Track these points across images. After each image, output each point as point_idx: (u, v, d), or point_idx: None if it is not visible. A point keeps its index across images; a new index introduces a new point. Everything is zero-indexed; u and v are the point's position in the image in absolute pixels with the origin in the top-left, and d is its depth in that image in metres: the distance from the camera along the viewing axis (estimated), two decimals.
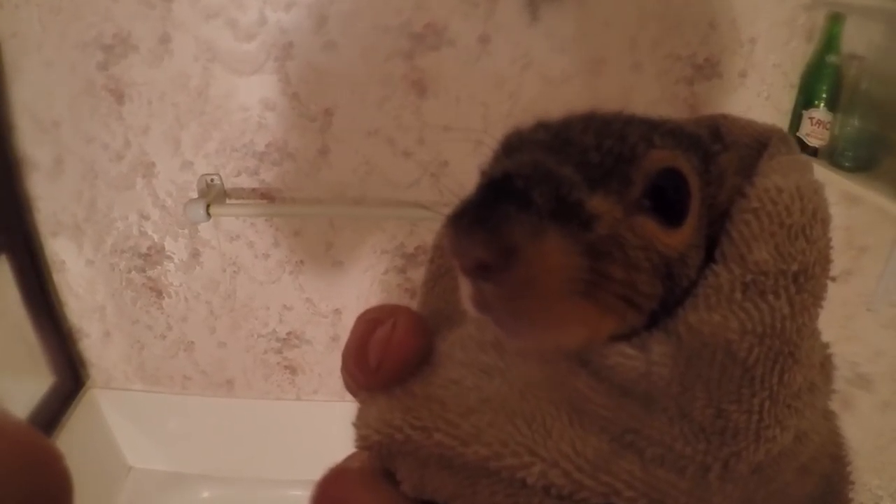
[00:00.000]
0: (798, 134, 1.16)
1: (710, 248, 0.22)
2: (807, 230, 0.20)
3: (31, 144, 1.25)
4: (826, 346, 0.24)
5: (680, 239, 0.21)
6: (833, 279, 0.23)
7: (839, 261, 1.26)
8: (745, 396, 0.19)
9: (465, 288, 0.20)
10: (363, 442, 0.22)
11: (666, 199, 0.21)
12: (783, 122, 1.20)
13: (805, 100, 1.15)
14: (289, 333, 1.48)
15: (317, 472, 0.21)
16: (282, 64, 1.20)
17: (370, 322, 0.23)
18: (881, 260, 1.10)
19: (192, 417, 1.56)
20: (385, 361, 0.22)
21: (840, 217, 1.26)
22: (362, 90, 1.22)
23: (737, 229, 0.21)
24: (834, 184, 1.16)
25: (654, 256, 0.21)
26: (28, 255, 1.31)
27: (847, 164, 1.07)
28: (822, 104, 1.12)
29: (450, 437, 0.20)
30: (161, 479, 1.58)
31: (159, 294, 1.42)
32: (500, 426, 0.20)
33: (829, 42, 1.11)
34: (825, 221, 0.21)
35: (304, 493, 0.21)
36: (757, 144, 0.26)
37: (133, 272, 1.39)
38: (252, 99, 1.23)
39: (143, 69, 1.19)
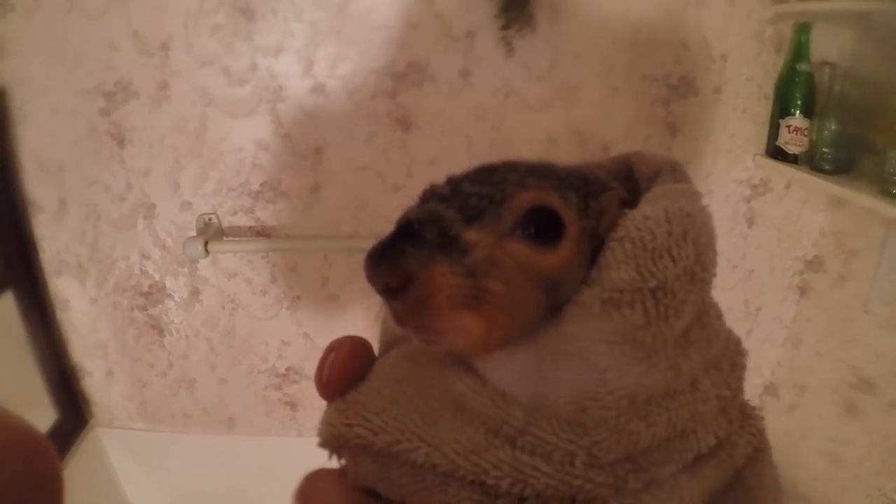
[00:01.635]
0: (777, 143, 1.16)
1: None
2: (673, 251, 0.24)
3: (37, 186, 1.32)
4: (737, 350, 0.27)
5: (556, 260, 0.26)
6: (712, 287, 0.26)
7: (833, 266, 1.23)
8: (600, 394, 0.23)
9: (386, 308, 0.25)
10: (319, 439, 0.27)
11: (540, 229, 0.26)
12: (761, 133, 1.21)
13: (781, 109, 1.16)
14: (288, 369, 1.49)
15: None
16: (273, 106, 1.27)
17: (328, 349, 0.29)
18: (873, 260, 1.07)
19: (193, 456, 1.56)
20: (329, 379, 0.28)
21: (828, 222, 1.24)
22: (350, 128, 1.28)
23: (604, 256, 0.25)
24: (819, 189, 1.15)
25: (533, 273, 0.25)
26: (33, 294, 1.36)
27: (827, 167, 1.06)
28: (797, 111, 1.13)
29: (364, 429, 0.25)
30: None
31: (161, 332, 1.46)
32: (402, 420, 0.25)
33: (799, 51, 1.13)
34: (697, 241, 0.25)
35: None
36: (657, 177, 0.31)
37: (135, 311, 1.43)
38: (246, 140, 1.30)
39: (144, 114, 1.27)
